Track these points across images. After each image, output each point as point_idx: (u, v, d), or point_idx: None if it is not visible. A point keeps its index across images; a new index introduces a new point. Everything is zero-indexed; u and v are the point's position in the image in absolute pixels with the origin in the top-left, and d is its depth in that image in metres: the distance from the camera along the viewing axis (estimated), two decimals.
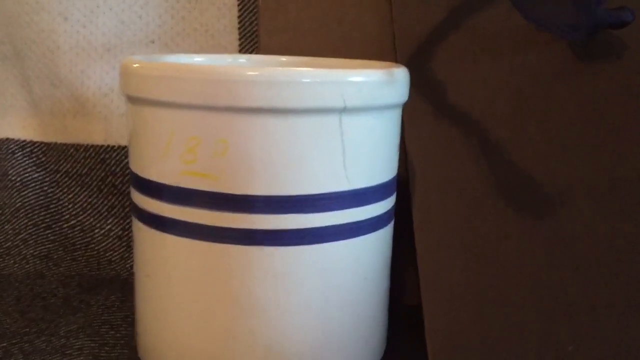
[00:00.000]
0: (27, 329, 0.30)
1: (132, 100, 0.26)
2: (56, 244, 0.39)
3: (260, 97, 0.22)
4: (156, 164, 0.24)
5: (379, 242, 0.27)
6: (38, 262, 0.38)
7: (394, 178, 0.27)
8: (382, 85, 0.24)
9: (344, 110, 0.23)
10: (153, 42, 0.41)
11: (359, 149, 0.24)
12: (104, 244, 0.39)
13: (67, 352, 0.28)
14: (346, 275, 0.25)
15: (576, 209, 0.27)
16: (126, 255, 0.39)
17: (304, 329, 0.25)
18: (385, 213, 0.27)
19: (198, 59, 0.31)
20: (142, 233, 0.26)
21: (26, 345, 0.28)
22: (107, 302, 0.33)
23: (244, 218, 0.23)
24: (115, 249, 0.39)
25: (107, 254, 0.39)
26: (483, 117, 0.29)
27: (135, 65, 0.25)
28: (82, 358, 0.27)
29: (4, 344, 0.28)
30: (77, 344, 0.28)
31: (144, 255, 0.26)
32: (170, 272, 0.25)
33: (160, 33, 0.41)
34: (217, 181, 0.23)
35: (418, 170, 0.29)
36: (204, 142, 0.23)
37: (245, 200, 0.23)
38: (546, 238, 0.27)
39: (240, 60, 0.33)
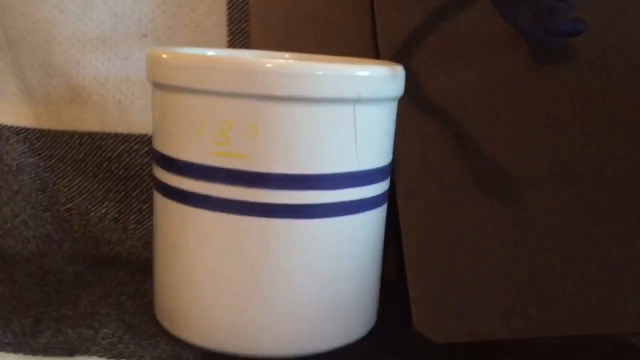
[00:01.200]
0: (49, 300, 0.32)
1: (162, 87, 0.28)
2: (55, 225, 0.41)
3: (288, 87, 0.26)
4: (188, 145, 0.27)
5: (378, 218, 0.30)
6: (40, 242, 0.40)
7: (391, 162, 0.31)
8: (388, 79, 0.28)
9: (357, 101, 0.27)
10: (145, 35, 0.43)
11: (368, 135, 0.28)
12: (100, 226, 0.42)
13: (97, 317, 0.30)
14: (352, 246, 0.29)
15: (538, 192, 0.31)
16: (123, 236, 0.41)
17: (316, 294, 0.28)
18: (384, 192, 0.30)
19: (222, 53, 0.34)
20: (169, 207, 0.29)
21: (54, 313, 0.31)
22: (117, 277, 0.36)
23: (269, 193, 0.27)
24: (112, 231, 0.41)
25: (104, 236, 0.41)
26: (458, 112, 0.33)
27: (164, 56, 0.28)
28: (111, 322, 0.30)
29: (32, 313, 0.31)
30: (103, 311, 0.31)
31: (170, 228, 0.29)
32: (198, 242, 0.28)
33: (152, 27, 0.43)
34: (247, 160, 0.26)
35: (401, 160, 0.33)
36: (236, 126, 0.26)
37: (271, 177, 0.27)
38: (513, 218, 0.31)
39: (253, 55, 0.36)
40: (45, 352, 0.27)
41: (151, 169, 0.42)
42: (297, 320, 0.28)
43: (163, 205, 0.29)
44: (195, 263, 0.28)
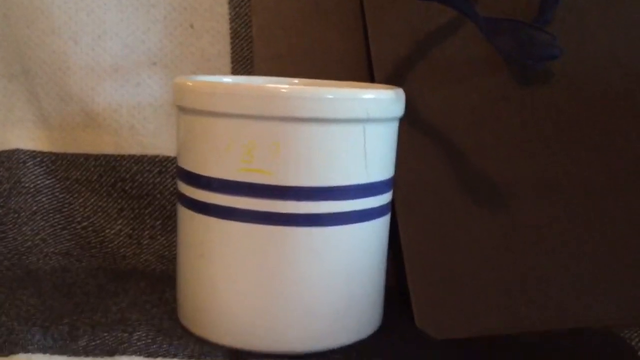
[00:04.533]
0: (79, 309, 0.35)
1: (188, 111, 0.31)
2: (73, 242, 0.44)
3: (307, 109, 0.29)
4: (215, 162, 0.30)
5: (384, 225, 0.34)
6: (60, 258, 0.42)
7: (393, 175, 0.34)
8: (392, 101, 0.32)
9: (367, 121, 0.30)
10: (155, 64, 0.47)
11: (376, 151, 0.31)
12: (116, 242, 0.44)
13: (128, 323, 0.33)
14: (362, 251, 0.32)
15: (525, 201, 0.34)
16: (138, 251, 0.44)
17: (331, 295, 0.31)
18: (389, 202, 0.34)
19: (239, 80, 0.37)
20: (195, 220, 0.32)
21: (87, 320, 0.33)
22: (139, 287, 0.38)
23: (290, 204, 0.30)
24: (127, 247, 0.44)
25: (120, 251, 0.44)
26: (449, 129, 0.36)
27: (190, 84, 0.31)
28: (142, 326, 0.32)
29: (66, 321, 0.33)
30: (133, 317, 0.34)
31: (196, 239, 0.32)
32: (223, 251, 0.31)
33: (162, 56, 0.46)
34: (271, 176, 0.30)
35: (399, 173, 0.37)
36: (260, 145, 0.29)
37: (292, 190, 0.30)
38: (503, 225, 0.34)
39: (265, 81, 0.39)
40: (86, 354, 0.30)
41: (163, 188, 0.45)
42: (313, 319, 0.31)
43: (189, 218, 0.32)
44: (221, 270, 0.31)
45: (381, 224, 0.33)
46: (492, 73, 0.36)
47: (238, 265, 0.31)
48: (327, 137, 0.30)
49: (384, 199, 0.33)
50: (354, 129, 0.30)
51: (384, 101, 0.31)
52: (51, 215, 0.45)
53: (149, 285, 0.39)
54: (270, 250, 0.30)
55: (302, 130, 0.29)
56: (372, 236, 0.33)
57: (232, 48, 0.47)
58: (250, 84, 0.30)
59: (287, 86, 0.29)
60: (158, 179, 0.45)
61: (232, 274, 0.31)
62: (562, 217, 0.34)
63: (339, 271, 0.31)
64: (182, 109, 0.32)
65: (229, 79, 0.37)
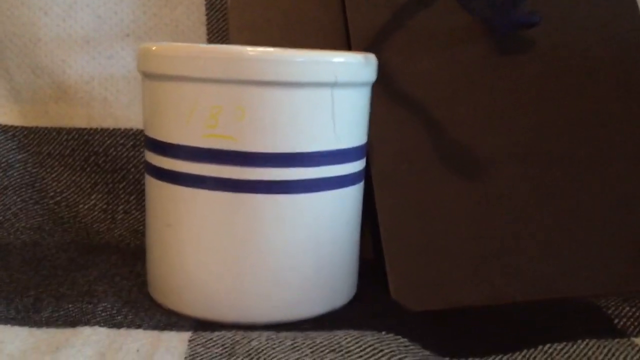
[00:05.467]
0: (47, 281, 0.34)
1: (152, 77, 0.31)
2: (45, 217, 0.43)
3: (272, 73, 0.28)
4: (180, 129, 0.30)
5: (356, 194, 0.33)
6: (32, 233, 0.41)
7: (366, 142, 0.33)
8: (362, 65, 0.31)
9: (335, 85, 0.30)
10: (128, 35, 0.46)
11: (345, 117, 0.31)
12: (90, 217, 0.43)
13: (95, 294, 0.32)
14: (332, 220, 0.31)
15: (500, 171, 0.34)
16: (112, 226, 0.43)
17: (300, 264, 0.31)
18: (361, 170, 0.33)
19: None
20: (162, 189, 0.31)
21: (53, 292, 0.33)
22: (110, 261, 0.38)
23: (256, 171, 0.29)
24: (102, 222, 0.43)
25: (94, 226, 0.43)
26: (425, 99, 0.36)
27: (154, 48, 0.30)
28: (109, 298, 0.32)
29: (31, 293, 0.32)
30: (100, 289, 0.33)
31: (163, 208, 0.31)
32: (190, 220, 0.30)
33: (135, 27, 0.45)
34: (236, 142, 0.29)
35: (375, 143, 0.36)
36: (225, 110, 0.29)
37: (258, 156, 0.29)
38: (478, 195, 0.34)
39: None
40: (48, 325, 0.29)
41: (137, 162, 0.44)
42: (282, 289, 0.30)
43: (157, 188, 0.31)
44: (188, 239, 0.30)
45: (353, 192, 0.32)
46: (470, 43, 0.36)
47: (205, 234, 0.30)
48: (294, 101, 0.29)
49: (355, 166, 0.32)
50: (321, 94, 0.29)
51: (353, 65, 0.30)
52: (23, 190, 0.44)
53: (120, 259, 0.38)
54: (237, 218, 0.30)
55: (268, 95, 0.29)
56: (343, 204, 0.32)
57: (207, 19, 0.46)
58: (216, 47, 0.29)
59: (252, 48, 0.28)
60: (132, 153, 0.44)
61: (199, 243, 0.30)
62: (539, 187, 0.33)
63: (307, 240, 0.31)
64: (147, 75, 0.31)
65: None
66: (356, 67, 0.30)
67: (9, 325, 0.29)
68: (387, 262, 0.34)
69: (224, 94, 0.29)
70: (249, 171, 0.29)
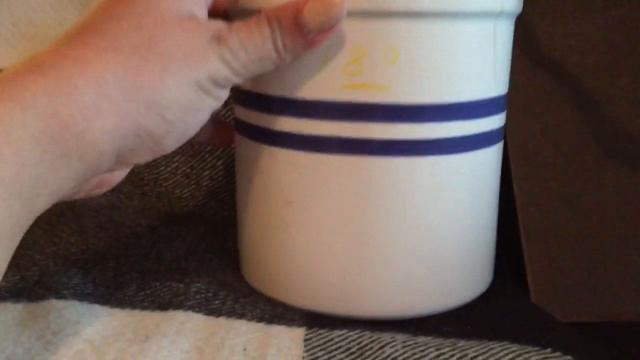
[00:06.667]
0: (128, 251, 0.29)
1: None
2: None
3: (431, 1, 0.22)
4: (309, 80, 0.23)
5: (499, 154, 0.27)
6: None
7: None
8: None
9: (499, 15, 0.24)
10: None
11: (503, 57, 0.25)
12: (171, 181, 0.38)
13: (186, 272, 0.27)
14: (488, 185, 0.26)
15: None
16: (196, 193, 0.38)
17: (455, 245, 0.25)
18: (503, 126, 0.27)
19: None
20: (287, 158, 0.24)
21: (135, 265, 0.27)
22: (197, 233, 0.32)
23: (413, 128, 0.23)
24: (184, 187, 0.38)
25: (175, 191, 0.38)
26: (576, 68, 0.30)
27: None
28: (203, 278, 0.26)
29: (111, 264, 0.27)
30: (191, 267, 0.28)
31: (284, 183, 0.24)
32: (319, 194, 0.24)
33: None
34: (389, 92, 0.23)
35: (515, 119, 0.30)
36: (371, 51, 0.22)
37: (416, 109, 0.23)
38: (639, 184, 0.28)
39: None
40: (133, 305, 0.24)
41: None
42: (438, 275, 0.25)
43: (273, 156, 0.25)
44: (312, 219, 0.24)
45: (498, 152, 0.27)
46: (632, 3, 0.29)
47: (336, 211, 0.24)
48: (453, 36, 0.23)
49: (503, 119, 0.26)
50: (485, 27, 0.23)
51: None
52: None
53: (208, 232, 0.33)
54: (381, 189, 0.23)
55: (426, 29, 0.22)
56: (494, 165, 0.26)
57: None
58: None
59: None
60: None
61: (325, 223, 0.24)
62: None
63: (467, 214, 0.25)
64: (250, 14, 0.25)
65: None
66: None
67: (86, 303, 0.24)
68: (526, 260, 0.28)
69: (370, 32, 0.22)
70: (398, 129, 0.23)
